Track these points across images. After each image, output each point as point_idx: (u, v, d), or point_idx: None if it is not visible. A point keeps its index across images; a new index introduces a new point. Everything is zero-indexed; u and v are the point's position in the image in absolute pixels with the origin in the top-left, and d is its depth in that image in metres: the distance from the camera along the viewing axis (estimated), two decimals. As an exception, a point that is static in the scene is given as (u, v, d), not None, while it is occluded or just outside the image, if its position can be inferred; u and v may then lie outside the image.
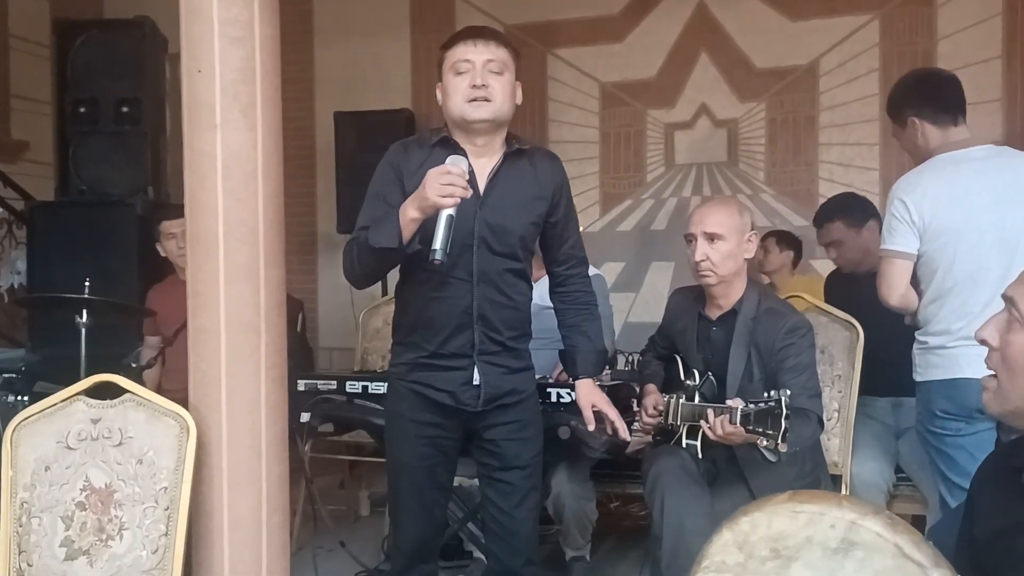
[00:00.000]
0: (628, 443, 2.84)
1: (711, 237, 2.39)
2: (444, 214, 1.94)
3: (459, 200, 1.95)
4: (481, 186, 2.11)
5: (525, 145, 2.17)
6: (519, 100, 2.16)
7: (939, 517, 2.29)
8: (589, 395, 2.28)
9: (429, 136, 2.19)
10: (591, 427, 2.28)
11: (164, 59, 4.66)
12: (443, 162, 2.00)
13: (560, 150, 5.32)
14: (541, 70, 5.33)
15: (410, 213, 1.99)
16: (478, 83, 2.04)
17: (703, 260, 2.39)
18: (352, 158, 4.86)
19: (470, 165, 2.04)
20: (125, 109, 4.48)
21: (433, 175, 1.95)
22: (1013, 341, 1.18)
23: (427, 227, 1.99)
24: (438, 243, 1.93)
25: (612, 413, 2.27)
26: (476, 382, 2.15)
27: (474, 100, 2.06)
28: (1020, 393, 1.18)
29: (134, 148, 4.53)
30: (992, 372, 1.22)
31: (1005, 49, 4.63)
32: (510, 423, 2.21)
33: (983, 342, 1.23)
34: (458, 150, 2.11)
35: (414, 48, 5.54)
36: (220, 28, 2.07)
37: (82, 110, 4.50)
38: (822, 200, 4.88)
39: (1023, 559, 1.19)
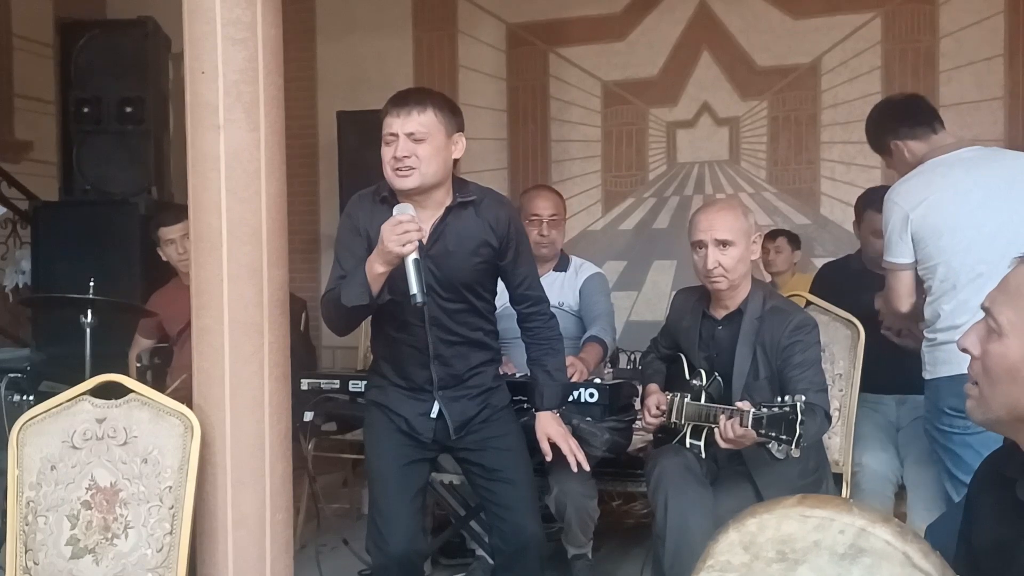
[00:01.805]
0: (630, 442, 2.86)
1: (722, 243, 2.38)
2: (410, 260, 2.05)
3: (417, 244, 2.06)
4: (424, 237, 2.18)
5: (470, 196, 2.24)
6: (458, 154, 2.23)
7: (939, 515, 2.30)
8: (545, 428, 2.35)
9: (380, 190, 2.27)
10: (548, 458, 2.36)
11: (167, 59, 4.68)
12: (389, 216, 2.12)
13: (562, 149, 5.37)
14: (543, 68, 5.35)
15: (377, 268, 2.10)
16: (399, 155, 2.14)
17: (715, 267, 2.38)
18: (355, 157, 4.87)
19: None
20: (128, 109, 4.50)
21: (387, 228, 2.06)
22: (992, 351, 1.19)
23: (393, 277, 2.11)
24: (414, 288, 2.04)
25: (565, 446, 2.33)
26: (434, 415, 2.28)
27: (398, 170, 2.15)
28: (1001, 401, 1.19)
29: (137, 148, 4.55)
30: (974, 380, 1.23)
31: (1007, 47, 4.63)
32: (483, 436, 2.31)
33: (964, 350, 1.24)
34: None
35: (416, 46, 5.55)
36: (223, 29, 2.07)
37: (85, 110, 4.52)
38: (824, 198, 4.94)
39: (1020, 573, 1.19)
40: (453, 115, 2.21)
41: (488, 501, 2.36)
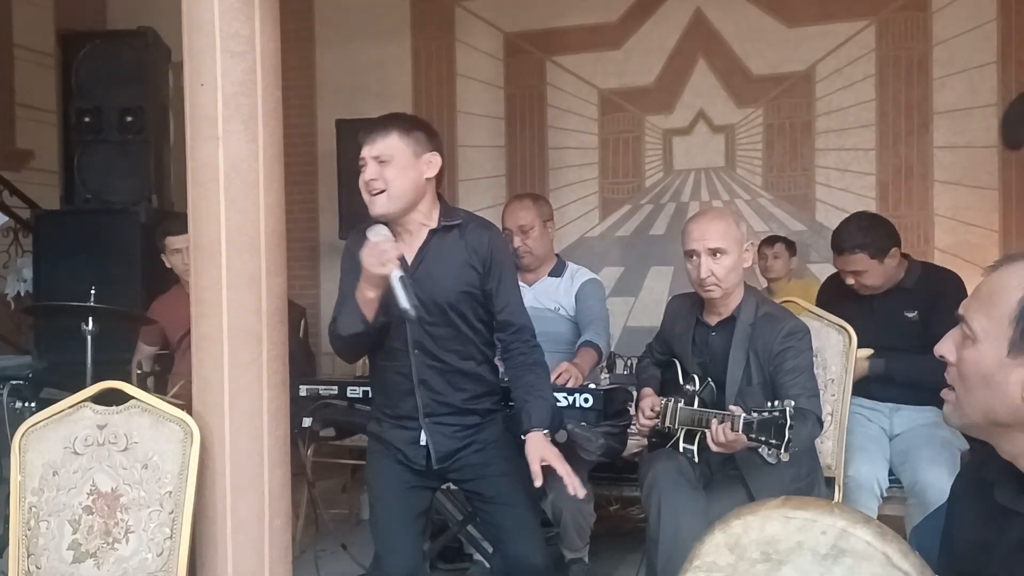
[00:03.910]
0: (625, 446, 2.89)
1: (714, 252, 2.40)
2: (394, 277, 2.09)
3: (397, 261, 2.10)
4: (408, 260, 2.24)
5: (455, 221, 2.28)
6: (430, 173, 2.24)
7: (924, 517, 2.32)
8: (538, 449, 2.17)
9: (372, 222, 2.30)
10: (537, 482, 2.16)
11: (167, 69, 4.72)
12: None
13: (559, 156, 5.40)
14: (540, 77, 5.38)
15: (367, 294, 2.15)
16: (366, 178, 2.22)
17: (708, 276, 2.40)
18: (354, 164, 4.84)
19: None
20: (129, 118, 4.55)
21: (365, 253, 2.12)
22: (966, 357, 1.22)
23: (385, 302, 2.15)
24: (404, 302, 2.07)
25: (562, 468, 2.17)
26: (423, 443, 2.28)
27: (370, 194, 2.22)
28: (975, 406, 1.22)
29: (138, 156, 4.59)
30: (951, 386, 1.26)
31: (1000, 54, 4.67)
32: (475, 465, 2.30)
33: (941, 357, 1.27)
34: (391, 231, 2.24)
35: (415, 54, 5.59)
36: (222, 42, 2.11)
37: (86, 119, 4.57)
38: (819, 204, 4.97)
39: (999, 574, 1.22)
40: (426, 136, 2.25)
41: (489, 524, 2.37)
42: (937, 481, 2.62)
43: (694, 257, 2.43)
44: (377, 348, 2.31)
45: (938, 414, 2.84)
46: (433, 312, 2.24)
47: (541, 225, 3.22)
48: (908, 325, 2.93)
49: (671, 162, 5.22)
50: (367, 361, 3.84)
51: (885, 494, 2.85)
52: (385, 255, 2.08)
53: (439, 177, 2.28)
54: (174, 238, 3.46)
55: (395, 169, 2.20)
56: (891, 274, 2.99)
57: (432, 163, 2.25)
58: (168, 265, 3.55)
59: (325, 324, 5.78)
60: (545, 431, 2.22)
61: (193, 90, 2.14)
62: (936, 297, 2.87)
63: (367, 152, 2.23)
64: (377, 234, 2.15)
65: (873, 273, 2.99)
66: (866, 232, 2.98)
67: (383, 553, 2.29)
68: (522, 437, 2.23)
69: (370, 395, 2.47)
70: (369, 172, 2.21)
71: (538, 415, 2.23)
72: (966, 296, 2.98)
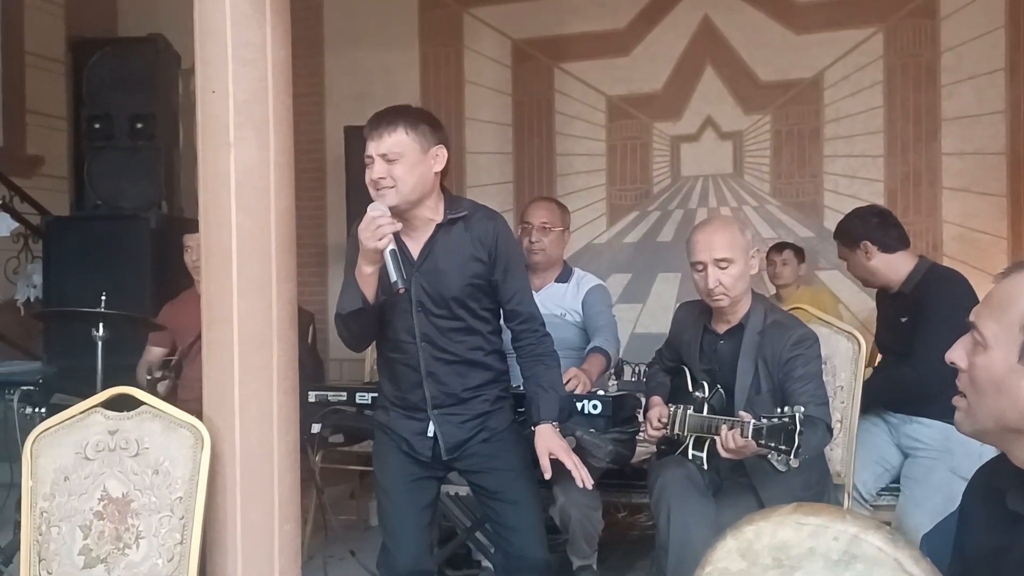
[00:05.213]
0: (634, 453, 2.88)
1: (721, 262, 2.40)
2: (386, 252, 2.10)
3: (391, 236, 2.10)
4: (415, 254, 2.24)
5: (460, 213, 2.26)
6: (438, 167, 2.22)
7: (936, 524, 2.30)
8: (547, 442, 2.21)
9: None
10: (547, 475, 2.21)
11: (177, 75, 4.75)
12: None
13: (567, 162, 5.42)
14: (548, 83, 5.40)
15: (364, 269, 2.16)
16: (374, 177, 2.18)
17: (716, 286, 2.40)
18: (362, 170, 4.88)
19: (401, 241, 2.21)
20: (139, 125, 4.59)
21: (362, 228, 2.12)
22: (977, 363, 1.23)
23: (385, 283, 2.15)
24: (392, 276, 2.09)
25: (569, 461, 2.20)
26: (431, 434, 2.27)
27: (378, 191, 2.19)
28: (987, 413, 1.23)
29: (148, 163, 4.63)
30: (963, 393, 1.27)
31: (1008, 61, 4.67)
32: (482, 456, 2.29)
33: (952, 364, 1.27)
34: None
35: (423, 61, 5.62)
36: (234, 50, 2.12)
37: (97, 126, 4.61)
38: (827, 211, 4.97)
39: None
40: (431, 129, 2.21)
41: (493, 521, 2.37)
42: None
43: (701, 268, 2.43)
44: (381, 337, 2.31)
45: (945, 433, 2.76)
46: (441, 305, 2.24)
47: (559, 227, 3.24)
48: (902, 329, 2.91)
49: (679, 168, 5.23)
50: (374, 367, 3.84)
51: (872, 502, 2.83)
52: (381, 230, 2.08)
53: (444, 169, 2.25)
54: (189, 235, 3.53)
55: (404, 166, 2.17)
56: (868, 267, 2.99)
57: (440, 156, 2.22)
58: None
59: (333, 330, 5.79)
60: (554, 423, 2.25)
61: (205, 97, 2.16)
62: (922, 308, 2.83)
63: (373, 149, 2.18)
64: (376, 209, 2.13)
65: (851, 264, 3.08)
66: (844, 221, 3.11)
67: (391, 546, 2.29)
68: (532, 429, 2.25)
69: (380, 377, 2.45)
70: (377, 171, 2.17)
71: (547, 407, 2.26)
72: (955, 309, 2.90)
